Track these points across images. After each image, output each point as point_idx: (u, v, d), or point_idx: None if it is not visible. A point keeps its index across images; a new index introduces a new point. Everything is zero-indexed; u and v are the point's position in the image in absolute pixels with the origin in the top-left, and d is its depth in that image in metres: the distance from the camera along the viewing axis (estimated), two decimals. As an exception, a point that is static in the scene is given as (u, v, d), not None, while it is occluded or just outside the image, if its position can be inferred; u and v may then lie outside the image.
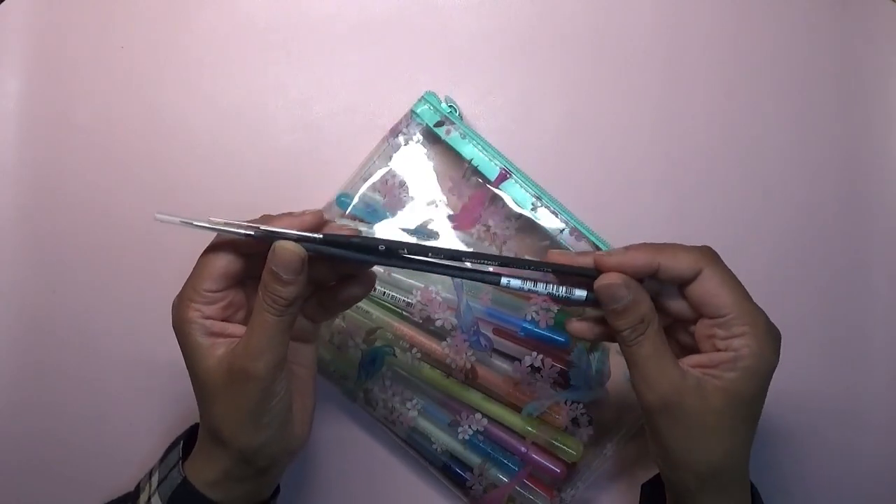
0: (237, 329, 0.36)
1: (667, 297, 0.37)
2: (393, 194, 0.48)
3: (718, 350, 0.35)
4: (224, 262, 0.35)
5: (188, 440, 0.39)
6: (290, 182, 0.52)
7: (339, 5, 0.54)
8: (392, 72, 0.53)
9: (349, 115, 0.52)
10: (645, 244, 0.36)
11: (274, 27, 0.53)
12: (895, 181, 0.51)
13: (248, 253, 0.36)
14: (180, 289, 0.36)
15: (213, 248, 0.36)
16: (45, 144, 0.53)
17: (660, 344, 0.35)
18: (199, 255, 0.36)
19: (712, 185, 0.51)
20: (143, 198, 0.53)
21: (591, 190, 0.51)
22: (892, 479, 0.49)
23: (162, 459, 0.40)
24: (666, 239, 0.36)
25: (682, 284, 0.36)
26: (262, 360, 0.33)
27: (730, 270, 0.36)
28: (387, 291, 0.47)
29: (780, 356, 0.35)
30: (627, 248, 0.36)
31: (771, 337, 0.35)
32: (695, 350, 0.37)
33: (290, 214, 0.36)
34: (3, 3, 0.54)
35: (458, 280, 0.45)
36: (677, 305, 0.37)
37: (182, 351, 0.36)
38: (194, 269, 0.36)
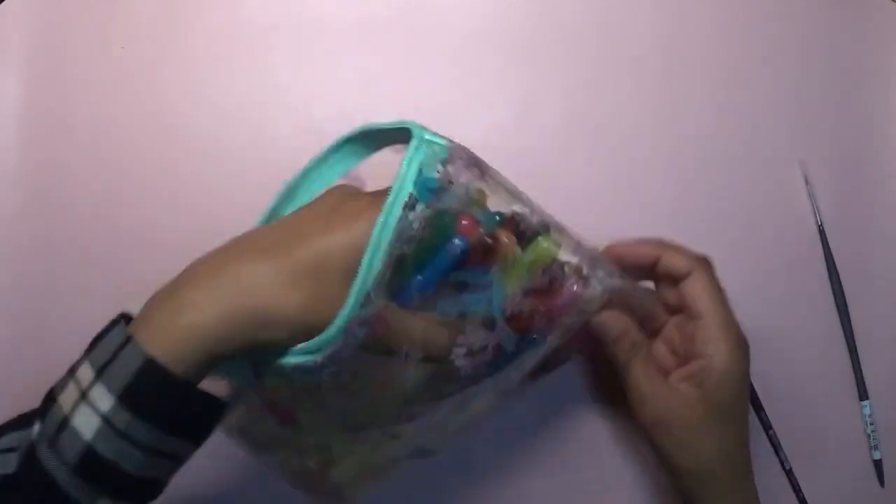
0: None
1: (664, 288, 0.42)
2: None
3: (696, 353, 0.39)
4: None
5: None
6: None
7: (339, 5, 0.54)
8: (392, 72, 0.53)
9: (349, 115, 0.52)
10: (654, 239, 0.42)
11: (274, 27, 0.53)
12: (895, 181, 0.51)
13: None
14: None
15: None
16: (45, 144, 0.53)
17: (649, 366, 0.40)
18: None
19: (712, 184, 0.51)
20: (144, 198, 0.52)
21: (591, 190, 0.51)
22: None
23: (90, 349, 0.32)
24: (667, 238, 0.37)
25: (675, 280, 0.41)
26: None
27: (716, 279, 0.40)
28: None
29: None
30: (639, 240, 0.42)
31: (739, 346, 0.39)
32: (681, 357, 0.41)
33: None
34: (3, 4, 0.54)
35: None
36: (672, 296, 0.41)
37: None
38: None
